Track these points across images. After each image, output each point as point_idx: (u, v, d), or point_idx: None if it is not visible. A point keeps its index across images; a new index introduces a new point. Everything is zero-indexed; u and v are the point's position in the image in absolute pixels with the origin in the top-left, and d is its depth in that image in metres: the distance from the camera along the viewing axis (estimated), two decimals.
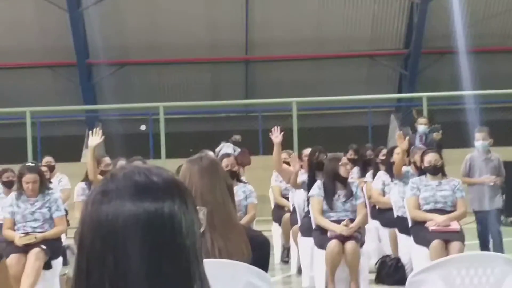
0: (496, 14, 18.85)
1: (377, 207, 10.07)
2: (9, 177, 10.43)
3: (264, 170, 12.31)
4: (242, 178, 9.94)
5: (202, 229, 1.54)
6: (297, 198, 9.61)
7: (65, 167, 13.41)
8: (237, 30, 19.78)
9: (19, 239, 7.95)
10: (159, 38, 19.51)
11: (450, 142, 13.62)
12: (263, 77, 20.51)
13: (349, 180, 8.77)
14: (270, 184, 11.38)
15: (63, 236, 8.78)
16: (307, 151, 10.22)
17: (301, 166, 9.79)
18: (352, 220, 8.39)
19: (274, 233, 10.77)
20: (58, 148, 15.07)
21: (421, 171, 8.98)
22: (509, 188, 14.07)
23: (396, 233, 9.45)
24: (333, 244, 8.21)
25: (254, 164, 14.44)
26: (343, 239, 8.23)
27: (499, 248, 9.02)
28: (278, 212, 10.96)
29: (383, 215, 9.88)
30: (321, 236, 8.42)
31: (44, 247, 7.98)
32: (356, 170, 10.98)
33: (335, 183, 8.53)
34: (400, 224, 9.21)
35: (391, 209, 9.53)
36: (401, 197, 9.12)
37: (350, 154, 11.35)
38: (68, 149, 16.31)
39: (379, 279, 9.20)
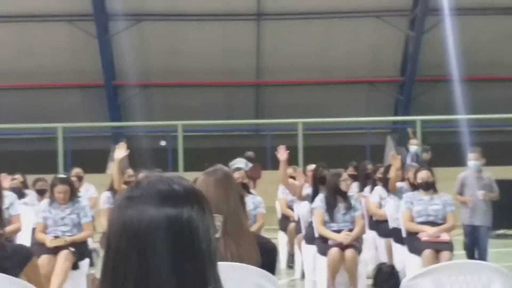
0: (484, 45, 18.84)
1: (374, 218, 10.06)
2: (42, 185, 10.48)
3: (272, 183, 12.32)
4: (252, 190, 9.95)
5: (218, 235, 1.55)
6: (301, 209, 9.61)
7: (92, 177, 13.44)
8: (249, 57, 19.82)
9: (50, 241, 7.96)
10: (179, 63, 19.55)
11: (442, 161, 13.59)
12: (272, 100, 20.51)
13: (349, 194, 8.78)
14: (277, 197, 11.38)
15: (89, 240, 8.78)
16: (311, 167, 10.25)
17: (306, 181, 9.81)
18: (351, 231, 8.42)
19: (280, 241, 10.75)
20: (86, 161, 15.06)
21: (414, 187, 8.99)
22: (495, 204, 14.04)
23: (391, 243, 9.45)
24: (334, 251, 8.21)
25: (262, 178, 14.46)
26: (343, 247, 8.24)
27: (484, 260, 8.99)
28: (284, 222, 10.96)
29: (380, 226, 9.88)
30: (323, 244, 8.41)
31: (72, 249, 7.98)
32: (355, 185, 10.98)
33: (336, 196, 8.53)
34: (395, 234, 9.21)
35: (386, 221, 9.54)
36: (396, 210, 9.13)
37: (350, 170, 11.37)
38: (95, 162, 16.34)
39: (375, 284, 9.17)
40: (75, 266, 8.06)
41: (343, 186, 8.59)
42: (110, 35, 18.99)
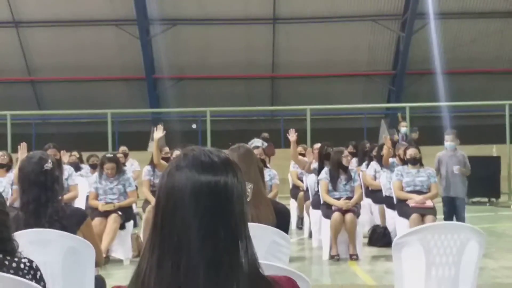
0: (463, 44, 18.69)
1: (370, 188, 10.05)
2: (94, 161, 10.53)
3: (284, 159, 12.32)
4: (268, 165, 9.96)
5: (248, 199, 1.54)
6: (309, 180, 9.61)
7: (135, 154, 13.50)
8: (266, 54, 19.80)
9: (102, 206, 8.04)
10: (207, 59, 19.58)
11: (427, 141, 13.52)
12: (285, 90, 20.51)
13: (349, 168, 8.77)
14: (289, 170, 11.39)
15: (133, 205, 8.83)
16: (317, 145, 10.23)
17: (313, 157, 9.81)
18: (350, 198, 8.42)
19: (291, 207, 10.76)
20: (130, 140, 15.14)
21: (403, 162, 8.98)
22: (471, 177, 13.96)
23: (384, 208, 9.46)
24: (336, 215, 8.22)
25: (277, 155, 14.43)
26: (343, 211, 8.25)
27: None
28: (295, 191, 10.97)
29: (375, 194, 9.89)
30: (327, 209, 8.43)
31: (120, 213, 8.05)
32: (354, 161, 10.95)
33: (338, 170, 8.53)
34: (387, 201, 9.21)
35: (380, 190, 9.53)
36: (388, 181, 9.12)
37: (350, 148, 11.31)
38: (138, 141, 16.41)
39: (370, 243, 9.19)
40: (122, 227, 8.13)
41: (344, 161, 8.59)
42: (150, 37, 19.02)
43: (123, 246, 8.11)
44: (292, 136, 9.73)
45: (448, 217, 8.81)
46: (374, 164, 10.15)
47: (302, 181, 10.53)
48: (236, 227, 1.45)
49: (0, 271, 2.56)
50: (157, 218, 1.46)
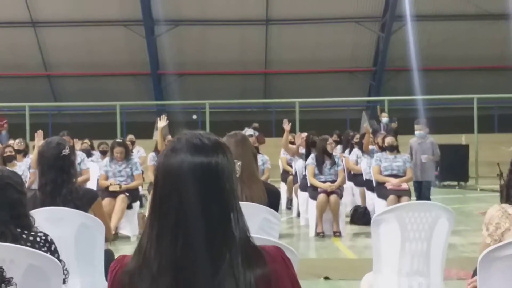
0: (436, 43, 18.70)
1: (352, 172, 10.06)
2: (104, 148, 10.52)
3: (275, 147, 12.29)
4: (260, 152, 9.96)
5: (237, 175, 1.54)
6: (297, 165, 9.62)
7: (141, 142, 13.49)
8: (259, 52, 19.76)
9: (111, 186, 8.03)
10: (206, 57, 19.54)
11: (403, 131, 13.54)
12: (276, 84, 20.49)
13: (333, 154, 8.77)
14: (279, 157, 11.39)
15: (140, 188, 8.82)
16: (304, 134, 10.23)
17: (300, 144, 9.80)
18: (334, 181, 8.43)
19: (282, 189, 10.74)
20: (137, 129, 15.09)
21: (382, 149, 9.00)
22: (443, 162, 14.05)
23: (365, 190, 9.48)
24: (321, 196, 8.24)
25: (268, 143, 14.41)
26: (328, 193, 8.26)
27: None
28: (284, 175, 10.97)
29: (356, 178, 9.90)
30: (313, 191, 8.44)
31: (127, 194, 8.03)
32: (339, 148, 10.97)
33: (323, 156, 8.53)
34: (367, 184, 9.23)
35: (361, 174, 9.56)
36: (368, 166, 9.13)
37: (334, 137, 11.29)
38: (143, 130, 16.36)
39: (352, 221, 9.21)
40: (129, 207, 8.12)
41: (329, 148, 8.60)
42: (155, 36, 18.94)
43: (130, 224, 8.12)
44: (287, 126, 9.75)
45: (418, 198, 8.85)
46: (355, 151, 10.17)
47: (291, 166, 10.54)
48: (227, 202, 1.45)
49: (18, 244, 2.56)
50: (156, 197, 1.46)
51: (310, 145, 9.22)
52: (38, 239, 2.68)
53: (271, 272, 1.44)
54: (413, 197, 8.60)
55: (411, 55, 16.91)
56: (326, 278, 5.87)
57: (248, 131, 13.85)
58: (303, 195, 8.93)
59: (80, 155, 8.29)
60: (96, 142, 11.44)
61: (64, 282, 2.72)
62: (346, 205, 9.20)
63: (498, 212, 2.70)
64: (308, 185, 8.58)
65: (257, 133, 14.09)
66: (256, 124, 15.29)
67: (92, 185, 8.21)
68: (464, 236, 7.84)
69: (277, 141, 12.49)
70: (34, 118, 16.84)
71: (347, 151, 10.67)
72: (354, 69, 20.28)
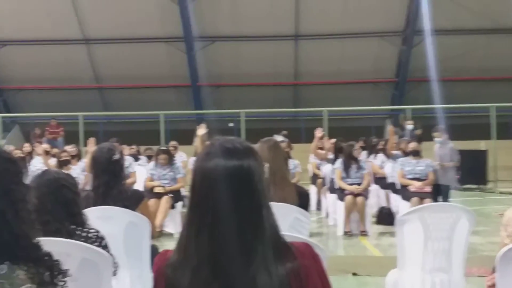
0: (454, 56, 18.39)
1: (377, 176, 9.96)
2: (149, 153, 10.65)
3: (304, 152, 12.22)
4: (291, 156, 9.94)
5: (266, 176, 1.54)
6: (326, 169, 9.57)
7: (183, 148, 13.56)
8: (289, 65, 19.72)
9: (156, 188, 8.11)
10: (241, 70, 19.57)
11: (425, 137, 13.35)
12: (305, 95, 20.38)
13: (359, 159, 8.71)
14: (308, 161, 11.33)
15: (182, 189, 8.89)
16: (333, 140, 10.17)
17: (329, 150, 9.75)
18: (360, 184, 8.35)
19: (311, 191, 10.70)
20: (179, 136, 15.19)
21: (405, 154, 8.89)
22: (463, 167, 13.78)
23: (389, 193, 9.36)
24: (348, 198, 8.18)
25: (297, 149, 14.31)
26: (355, 195, 8.20)
27: None
28: (314, 178, 10.91)
29: (381, 181, 9.80)
30: (341, 193, 8.39)
31: (171, 195, 8.12)
32: (364, 153, 10.87)
33: (350, 160, 8.48)
34: (391, 187, 9.13)
35: (386, 178, 9.45)
36: (393, 170, 9.03)
37: (360, 143, 11.18)
38: (185, 137, 16.42)
39: (378, 221, 9.11)
40: (172, 207, 8.20)
41: (355, 154, 8.54)
42: (195, 51, 19.05)
43: (173, 222, 8.19)
44: (319, 133, 9.73)
45: (434, 201, 8.72)
46: (380, 156, 10.07)
47: (320, 170, 10.49)
48: (258, 201, 1.44)
49: (72, 239, 2.59)
50: (194, 197, 1.47)
51: (337, 151, 9.17)
52: (90, 235, 2.71)
53: (300, 267, 1.43)
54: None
55: (431, 67, 16.67)
56: (354, 274, 5.82)
57: (277, 138, 13.83)
58: (332, 197, 8.89)
59: (128, 160, 8.41)
60: (142, 148, 11.57)
61: (114, 274, 2.75)
62: (372, 206, 9.10)
63: None
64: (336, 187, 8.53)
65: (286, 140, 14.07)
66: (285, 132, 15.24)
67: (139, 186, 8.31)
68: (484, 236, 7.67)
69: (306, 147, 12.41)
70: (86, 126, 17.14)
71: (372, 156, 10.56)
72: (378, 80, 20.06)
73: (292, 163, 8.85)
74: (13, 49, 19.46)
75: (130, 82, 19.86)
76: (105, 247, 2.73)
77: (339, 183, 8.41)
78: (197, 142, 10.40)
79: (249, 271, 1.38)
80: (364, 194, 8.27)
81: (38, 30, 18.67)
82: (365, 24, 18.61)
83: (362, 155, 9.99)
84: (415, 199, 7.89)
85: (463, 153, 14.14)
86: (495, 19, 18.17)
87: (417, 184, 8.17)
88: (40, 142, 12.46)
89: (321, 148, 10.33)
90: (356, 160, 8.50)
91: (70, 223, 2.67)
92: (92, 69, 20.08)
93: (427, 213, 3.78)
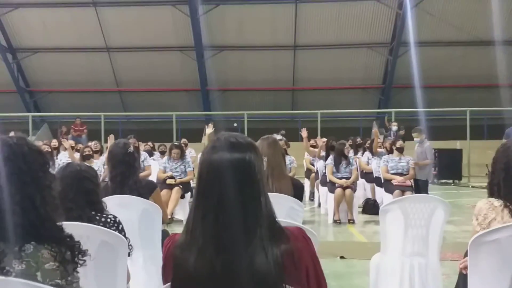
0: (435, 65, 18.37)
1: (364, 171, 9.94)
2: (163, 149, 10.60)
3: (300, 149, 12.16)
4: (288, 153, 9.92)
5: (265, 168, 1.54)
6: (319, 165, 9.56)
7: (193, 145, 13.57)
8: (288, 72, 19.68)
9: (168, 180, 8.10)
10: (245, 76, 19.53)
11: (408, 137, 13.32)
12: (302, 99, 20.34)
13: (349, 156, 8.70)
14: (303, 158, 11.32)
15: (191, 181, 8.89)
16: (324, 139, 10.16)
17: (321, 148, 9.73)
18: (349, 178, 8.34)
19: (305, 184, 10.70)
20: (189, 134, 15.22)
21: (389, 151, 8.86)
22: (440, 163, 13.77)
23: (374, 186, 9.35)
24: (338, 190, 8.18)
25: (294, 146, 14.22)
26: (344, 188, 8.19)
27: None
28: (308, 173, 10.94)
29: (367, 175, 9.79)
30: (331, 186, 8.38)
31: (181, 186, 8.12)
32: (352, 151, 10.85)
33: (340, 157, 8.47)
34: (376, 181, 9.13)
35: (372, 173, 9.44)
36: (377, 166, 9.01)
37: (349, 142, 11.16)
38: (194, 135, 16.48)
39: (364, 211, 9.11)
40: (182, 197, 8.20)
41: (345, 151, 8.52)
42: (204, 59, 19.02)
43: (183, 210, 8.19)
44: (304, 133, 9.72)
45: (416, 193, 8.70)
46: (367, 153, 10.06)
47: (313, 165, 10.49)
48: (258, 189, 1.45)
49: (92, 224, 2.60)
50: (200, 186, 1.47)
51: (329, 149, 9.16)
52: (108, 220, 2.72)
53: (294, 248, 1.44)
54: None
55: (414, 75, 16.63)
56: (342, 257, 5.83)
57: (277, 137, 13.79)
58: (323, 189, 8.89)
59: (143, 155, 8.41)
60: (156, 144, 11.57)
61: (129, 255, 2.76)
62: (359, 198, 9.11)
63: (486, 205, 2.64)
64: (327, 181, 8.54)
65: (284, 139, 14.05)
66: (283, 131, 15.23)
67: (153, 178, 8.32)
68: (457, 225, 7.67)
69: (302, 145, 12.38)
70: (107, 125, 17.15)
71: (360, 153, 10.54)
72: (366, 86, 20.03)
73: (288, 159, 8.85)
74: (43, 56, 19.49)
75: (146, 86, 19.87)
76: (121, 231, 2.74)
77: (330, 177, 8.42)
78: (205, 139, 10.47)
79: (248, 251, 1.39)
80: (352, 187, 8.28)
81: (65, 39, 18.70)
82: (356, 36, 18.60)
83: (351, 153, 9.99)
84: (397, 191, 7.89)
85: (441, 151, 14.14)
86: (471, 33, 18.16)
87: (399, 178, 8.16)
88: (66, 139, 12.46)
89: (314, 146, 10.33)
90: (346, 157, 8.49)
91: (91, 210, 2.68)
92: (113, 74, 20.09)
93: (407, 204, 3.78)
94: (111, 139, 7.35)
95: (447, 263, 4.88)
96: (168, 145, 9.18)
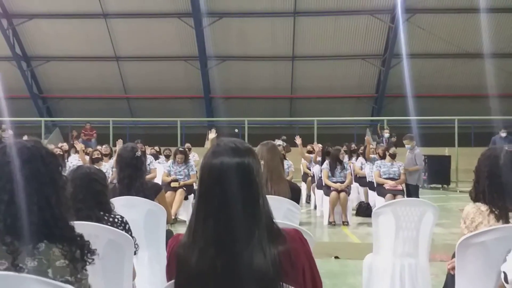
0: (426, 76, 18.41)
1: (357, 175, 9.95)
2: (167, 152, 10.62)
3: (298, 155, 12.11)
4: (286, 158, 9.91)
5: (263, 172, 1.53)
6: (315, 169, 9.56)
7: (196, 149, 13.57)
8: (286, 81, 19.68)
9: (172, 183, 8.09)
10: (246, 84, 19.54)
11: (399, 144, 13.32)
12: (300, 106, 20.34)
13: (343, 161, 8.70)
14: (301, 162, 11.30)
15: (194, 184, 8.87)
16: (320, 145, 10.16)
17: (317, 154, 9.73)
18: (343, 182, 8.34)
19: (302, 188, 10.67)
20: (193, 139, 15.22)
21: (381, 157, 8.86)
22: (430, 169, 13.75)
23: (367, 190, 9.34)
24: (333, 193, 8.17)
25: (293, 151, 14.31)
26: (338, 191, 8.18)
27: None
28: (304, 177, 10.92)
29: (361, 180, 9.79)
30: (327, 190, 8.38)
31: (184, 188, 8.10)
32: (347, 156, 10.84)
33: (336, 162, 8.47)
34: (369, 185, 9.12)
35: (365, 177, 9.44)
36: (370, 170, 9.01)
37: (344, 148, 11.18)
38: (198, 140, 16.49)
39: (357, 213, 9.10)
40: (185, 198, 8.19)
41: (340, 157, 8.52)
42: (208, 68, 19.07)
43: (186, 211, 8.18)
44: (298, 140, 9.73)
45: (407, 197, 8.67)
46: (360, 159, 10.06)
47: (310, 170, 10.48)
48: (256, 191, 1.45)
49: (101, 223, 2.60)
50: (202, 189, 1.47)
51: (325, 154, 9.16)
52: (116, 220, 2.71)
53: (290, 249, 1.43)
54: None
55: (405, 85, 16.65)
56: (336, 257, 5.81)
57: (278, 142, 13.81)
58: (319, 192, 8.89)
59: (149, 158, 8.41)
60: (162, 148, 11.56)
61: (135, 253, 2.75)
62: (353, 201, 9.11)
63: (473, 209, 2.64)
64: (323, 184, 8.53)
65: (285, 144, 14.06)
66: (284, 137, 15.22)
67: (158, 180, 8.31)
68: (446, 227, 7.66)
69: (298, 151, 12.39)
70: (115, 129, 17.16)
71: (354, 158, 10.54)
72: (360, 95, 20.03)
73: (286, 163, 8.86)
74: (56, 64, 19.52)
75: (152, 93, 19.88)
76: (128, 230, 2.73)
77: (325, 181, 8.41)
78: (208, 144, 10.49)
79: (247, 251, 1.39)
80: (346, 190, 8.28)
81: (77, 48, 18.74)
82: (351, 48, 18.63)
83: (345, 158, 9.98)
84: (389, 195, 7.89)
85: (430, 157, 14.13)
86: (460, 46, 18.21)
87: (391, 183, 8.16)
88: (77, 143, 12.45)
89: (311, 152, 10.33)
90: (340, 162, 8.49)
91: (99, 210, 2.68)
92: (121, 82, 20.11)
93: (398, 207, 3.78)
94: (119, 143, 7.37)
95: (436, 264, 4.87)
96: (173, 149, 9.18)
